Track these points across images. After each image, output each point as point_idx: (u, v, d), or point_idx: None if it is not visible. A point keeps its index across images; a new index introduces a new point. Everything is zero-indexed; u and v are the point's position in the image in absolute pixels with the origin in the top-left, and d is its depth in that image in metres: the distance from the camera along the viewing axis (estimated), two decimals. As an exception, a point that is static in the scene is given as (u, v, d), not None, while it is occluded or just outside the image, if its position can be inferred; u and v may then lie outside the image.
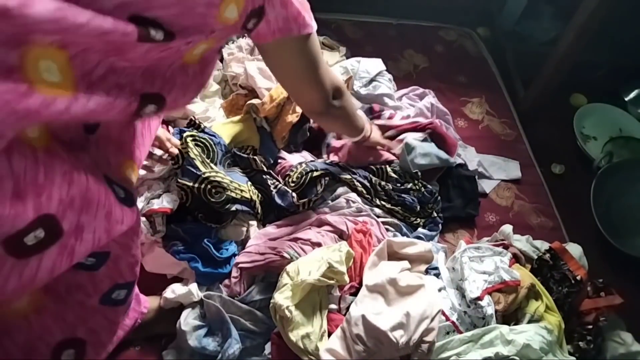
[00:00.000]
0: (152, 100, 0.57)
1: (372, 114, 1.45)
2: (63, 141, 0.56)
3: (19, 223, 0.48)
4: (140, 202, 1.09)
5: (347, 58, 1.58)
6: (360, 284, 1.07)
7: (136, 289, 0.95)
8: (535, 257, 1.23)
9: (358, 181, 1.25)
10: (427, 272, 1.15)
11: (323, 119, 1.00)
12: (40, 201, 0.50)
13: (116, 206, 0.61)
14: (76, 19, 0.43)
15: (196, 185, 1.07)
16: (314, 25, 0.75)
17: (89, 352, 0.78)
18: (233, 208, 1.10)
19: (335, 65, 1.52)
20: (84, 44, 0.48)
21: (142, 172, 1.10)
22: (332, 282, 1.03)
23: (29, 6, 0.39)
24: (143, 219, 1.07)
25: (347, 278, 1.05)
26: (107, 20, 0.46)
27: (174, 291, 1.07)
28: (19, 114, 0.43)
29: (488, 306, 1.04)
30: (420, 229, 1.27)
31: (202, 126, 1.20)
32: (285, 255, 1.07)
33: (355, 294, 1.06)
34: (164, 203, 1.07)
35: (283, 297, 0.97)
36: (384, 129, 1.40)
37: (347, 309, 1.03)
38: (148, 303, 1.03)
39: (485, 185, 1.51)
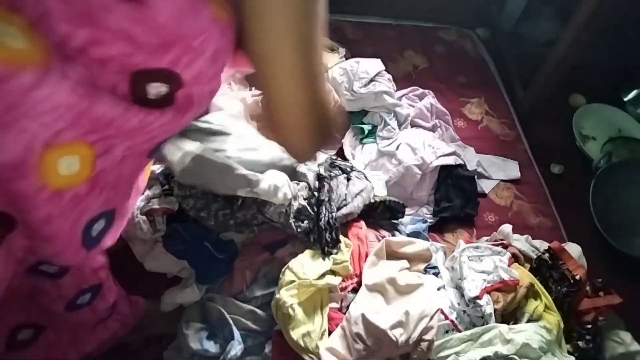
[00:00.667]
0: (157, 78, 0.46)
1: None
2: None
3: None
4: (140, 201, 1.09)
5: (347, 59, 1.59)
6: (360, 281, 1.07)
7: (122, 291, 0.94)
8: (535, 256, 1.24)
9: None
10: (426, 271, 1.15)
11: None
12: None
13: None
14: None
15: None
16: None
17: (49, 334, 0.77)
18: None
19: (335, 67, 1.52)
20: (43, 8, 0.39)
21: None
22: (337, 281, 1.04)
23: None
24: (143, 217, 1.07)
25: (350, 267, 1.07)
26: None
27: (173, 295, 1.08)
28: None
29: (487, 305, 1.04)
30: (409, 226, 1.28)
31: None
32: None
33: (355, 292, 1.07)
34: (165, 203, 1.08)
35: (289, 295, 0.97)
36: None
37: (347, 307, 1.04)
38: (142, 304, 1.03)
39: (485, 185, 1.51)
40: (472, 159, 1.53)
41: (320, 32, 0.51)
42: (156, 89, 0.47)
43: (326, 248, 1.06)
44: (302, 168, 1.16)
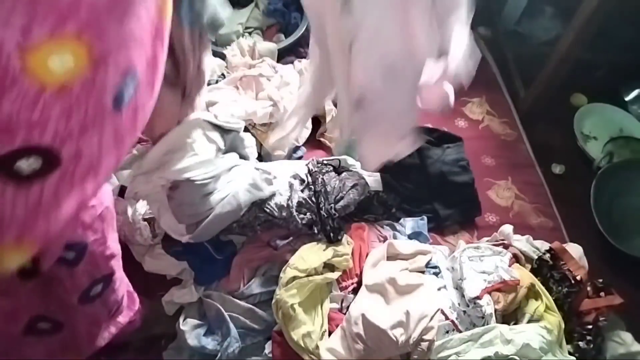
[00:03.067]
0: None
1: None
2: None
3: (2, 149, 0.46)
4: (143, 207, 1.09)
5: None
6: (361, 281, 1.08)
7: (130, 287, 0.95)
8: (535, 257, 1.23)
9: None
10: (426, 271, 1.15)
11: None
12: (31, 135, 0.47)
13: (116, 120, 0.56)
14: None
15: None
16: None
17: (65, 331, 0.80)
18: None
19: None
20: None
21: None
22: (336, 275, 1.04)
23: None
24: (144, 223, 1.07)
25: (351, 262, 1.08)
26: None
27: (171, 295, 1.09)
28: None
29: (487, 305, 1.04)
30: (409, 224, 1.28)
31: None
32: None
33: (355, 293, 1.07)
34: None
35: (288, 295, 0.97)
36: None
37: (347, 307, 1.04)
38: (145, 304, 1.03)
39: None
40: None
41: None
42: None
43: (331, 235, 1.08)
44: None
